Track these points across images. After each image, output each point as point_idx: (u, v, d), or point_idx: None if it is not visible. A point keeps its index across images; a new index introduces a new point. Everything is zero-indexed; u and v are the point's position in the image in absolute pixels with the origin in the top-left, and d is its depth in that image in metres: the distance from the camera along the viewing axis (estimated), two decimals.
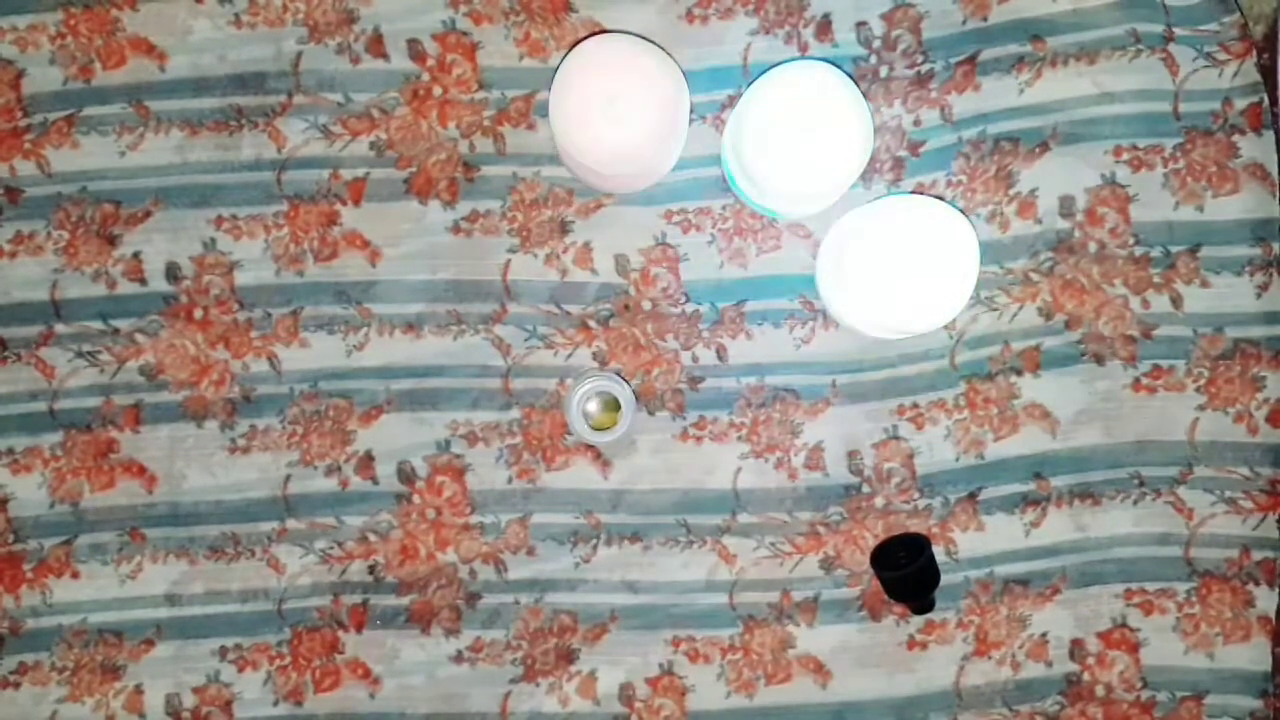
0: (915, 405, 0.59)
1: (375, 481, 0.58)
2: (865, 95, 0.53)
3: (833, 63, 0.54)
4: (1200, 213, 0.59)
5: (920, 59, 0.59)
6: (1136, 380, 0.59)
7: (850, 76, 0.54)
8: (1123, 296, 0.59)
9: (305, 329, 0.59)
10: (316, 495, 0.58)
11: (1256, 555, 0.59)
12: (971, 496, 0.59)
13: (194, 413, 0.58)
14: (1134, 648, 0.59)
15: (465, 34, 0.59)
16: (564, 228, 0.59)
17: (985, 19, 0.59)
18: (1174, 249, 0.59)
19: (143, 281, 0.59)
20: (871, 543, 0.58)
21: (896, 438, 0.59)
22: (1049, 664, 0.59)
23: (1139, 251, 0.59)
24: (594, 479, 0.59)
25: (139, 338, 0.58)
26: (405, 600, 0.58)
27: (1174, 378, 0.59)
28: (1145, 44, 0.58)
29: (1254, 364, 0.58)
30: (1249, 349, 0.58)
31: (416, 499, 0.58)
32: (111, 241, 0.58)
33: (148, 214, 0.59)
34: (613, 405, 0.57)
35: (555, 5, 0.59)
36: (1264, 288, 0.58)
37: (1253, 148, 0.58)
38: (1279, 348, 0.59)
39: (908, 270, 0.53)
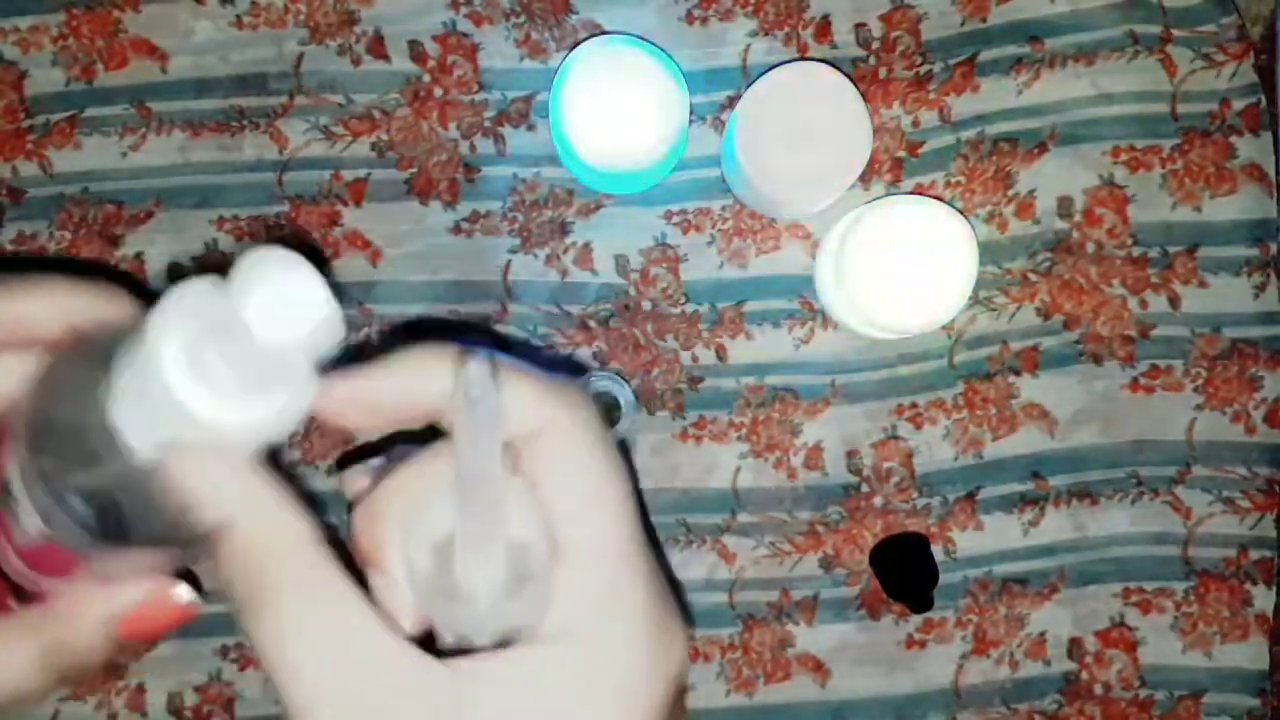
0: (914, 405, 0.59)
1: None
2: (864, 96, 0.53)
3: (832, 64, 0.54)
4: (1198, 213, 0.59)
5: (919, 60, 0.59)
6: (1134, 380, 0.59)
7: (849, 78, 0.54)
8: (1121, 297, 0.59)
9: None
10: (322, 492, 0.58)
11: (1254, 555, 0.59)
12: (970, 496, 0.59)
13: None
14: (1132, 647, 0.59)
15: (466, 35, 0.59)
16: (564, 228, 0.59)
17: (984, 20, 0.59)
18: (1172, 249, 0.59)
19: (144, 282, 0.59)
20: (870, 542, 0.59)
21: (895, 437, 0.59)
22: (1047, 663, 0.59)
23: (1137, 252, 0.59)
24: None
25: None
26: None
27: (1172, 378, 0.59)
28: (1143, 45, 0.59)
29: (1251, 364, 0.59)
30: (1246, 349, 0.59)
31: None
32: (114, 242, 0.59)
33: (150, 214, 0.59)
34: (613, 405, 0.57)
35: (555, 7, 0.59)
36: (1261, 288, 0.59)
37: (1250, 149, 0.59)
38: (1276, 348, 0.59)
39: (907, 271, 0.53)
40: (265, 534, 0.28)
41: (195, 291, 0.27)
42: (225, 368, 0.27)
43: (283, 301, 0.26)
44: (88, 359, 0.29)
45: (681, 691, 0.30)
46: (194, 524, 0.28)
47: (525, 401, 0.29)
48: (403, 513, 0.29)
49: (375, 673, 0.27)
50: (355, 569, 0.29)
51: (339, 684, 0.27)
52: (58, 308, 0.32)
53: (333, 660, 0.27)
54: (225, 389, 0.27)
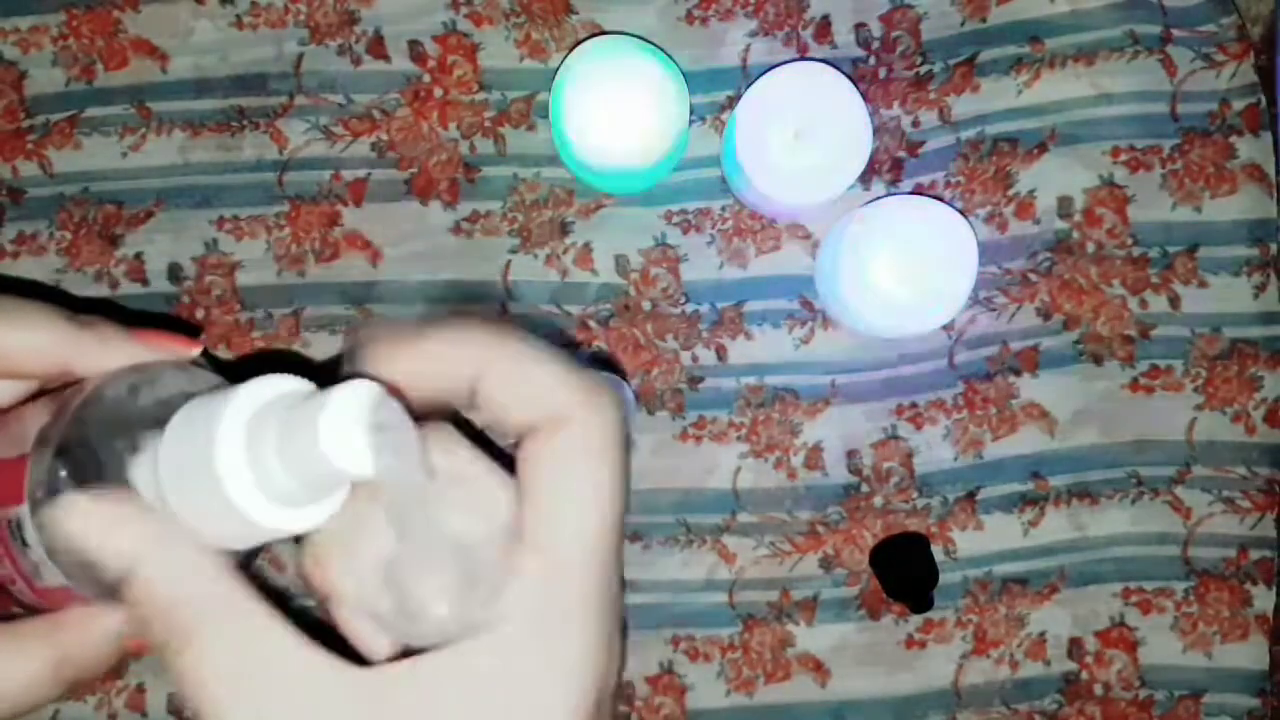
0: (914, 405, 0.59)
1: None
2: (864, 96, 0.53)
3: (832, 64, 0.54)
4: (1198, 213, 0.59)
5: (919, 60, 0.59)
6: (1134, 380, 0.59)
7: (849, 78, 0.54)
8: (1121, 297, 0.59)
9: (307, 329, 0.59)
10: None
11: (1254, 555, 0.59)
12: (970, 496, 0.59)
13: None
14: (1132, 647, 0.59)
15: (466, 35, 0.59)
16: (564, 228, 0.59)
17: (984, 20, 0.59)
18: (1172, 249, 0.59)
19: (145, 282, 0.59)
20: (870, 542, 0.59)
21: (895, 437, 0.59)
22: (1047, 663, 0.59)
23: (1137, 252, 0.59)
24: None
25: None
26: None
27: (1172, 378, 0.59)
28: (1143, 45, 0.59)
29: (1251, 364, 0.59)
30: (1246, 349, 0.59)
31: None
32: (113, 242, 0.59)
33: (149, 215, 0.59)
34: None
35: (555, 7, 0.59)
36: (1261, 288, 0.59)
37: (1250, 149, 0.59)
38: (1276, 348, 0.59)
39: (907, 271, 0.53)
40: (171, 573, 0.28)
41: (274, 391, 0.28)
42: (285, 478, 0.27)
43: (365, 440, 0.26)
44: (121, 412, 0.30)
45: (612, 698, 0.30)
46: (100, 575, 0.28)
47: (550, 387, 0.29)
48: (344, 540, 0.29)
49: (295, 690, 0.27)
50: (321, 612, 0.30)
51: (259, 708, 0.27)
52: (42, 346, 0.32)
53: (252, 686, 0.27)
54: (279, 496, 0.27)
